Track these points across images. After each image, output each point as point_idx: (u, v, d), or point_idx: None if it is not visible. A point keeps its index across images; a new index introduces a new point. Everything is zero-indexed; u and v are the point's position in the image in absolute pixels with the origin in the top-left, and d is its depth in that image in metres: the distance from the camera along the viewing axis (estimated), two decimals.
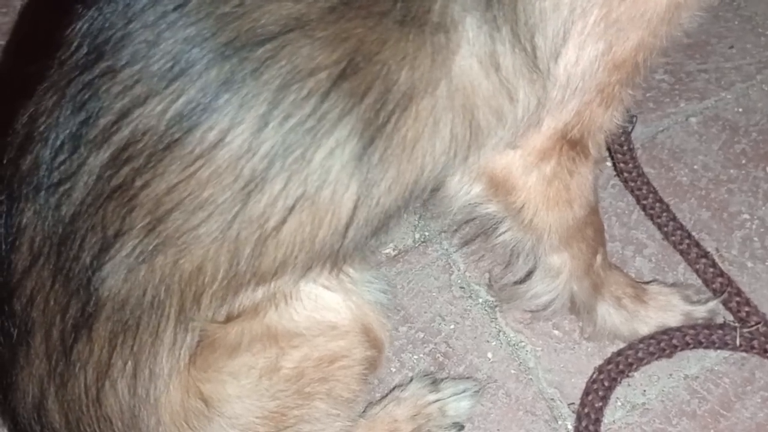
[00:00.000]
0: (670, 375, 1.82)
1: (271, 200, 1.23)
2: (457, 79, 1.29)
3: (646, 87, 2.11)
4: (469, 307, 1.92)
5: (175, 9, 1.19)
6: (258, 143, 1.20)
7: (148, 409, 1.32)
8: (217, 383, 1.35)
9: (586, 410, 1.73)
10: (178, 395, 1.33)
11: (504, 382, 1.83)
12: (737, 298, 1.85)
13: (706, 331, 1.80)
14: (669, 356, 1.80)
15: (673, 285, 1.90)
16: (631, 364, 1.78)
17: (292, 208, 1.24)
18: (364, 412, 1.69)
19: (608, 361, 1.79)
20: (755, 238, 1.99)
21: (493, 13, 1.28)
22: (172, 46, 1.18)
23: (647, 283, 1.89)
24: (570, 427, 1.76)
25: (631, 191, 2.01)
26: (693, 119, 2.19)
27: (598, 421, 1.72)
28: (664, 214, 1.96)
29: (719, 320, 1.85)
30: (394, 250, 2.00)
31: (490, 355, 1.86)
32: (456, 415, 1.76)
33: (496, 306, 1.91)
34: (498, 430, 1.77)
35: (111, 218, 1.21)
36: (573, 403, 1.78)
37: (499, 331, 1.89)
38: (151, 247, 1.23)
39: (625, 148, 1.99)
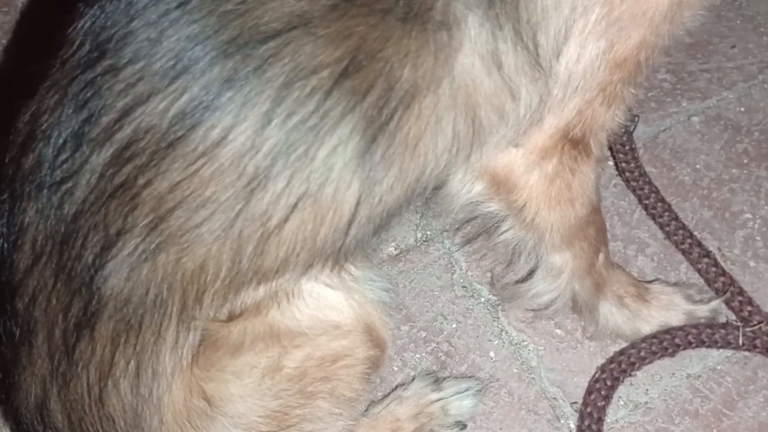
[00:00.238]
0: (673, 374, 1.81)
1: (273, 198, 1.23)
2: (460, 77, 1.29)
3: (648, 86, 2.11)
4: (471, 306, 1.92)
5: (177, 7, 1.19)
6: (261, 141, 1.20)
7: (151, 408, 1.31)
8: (220, 382, 1.35)
9: (588, 409, 1.73)
10: (180, 394, 1.32)
11: (506, 381, 1.82)
12: (739, 298, 1.85)
13: (708, 330, 1.80)
14: (671, 355, 1.80)
15: (675, 284, 1.89)
16: (633, 363, 1.78)
17: (294, 206, 1.24)
18: (366, 411, 1.69)
19: (611, 360, 1.79)
20: (757, 238, 1.99)
21: (496, 11, 1.28)
22: (175, 44, 1.18)
23: (649, 282, 1.89)
24: (572, 426, 1.76)
25: (633, 190, 2.01)
26: (695, 119, 2.19)
27: (600, 420, 1.72)
28: (666, 213, 1.96)
29: (721, 319, 1.85)
30: (396, 249, 2.00)
31: (492, 354, 1.86)
32: (458, 414, 1.75)
33: (498, 305, 1.91)
34: (500, 429, 1.77)
35: (113, 217, 1.21)
36: (575, 402, 1.78)
37: (502, 330, 1.89)
38: (153, 246, 1.22)
39: (627, 147, 1.99)
